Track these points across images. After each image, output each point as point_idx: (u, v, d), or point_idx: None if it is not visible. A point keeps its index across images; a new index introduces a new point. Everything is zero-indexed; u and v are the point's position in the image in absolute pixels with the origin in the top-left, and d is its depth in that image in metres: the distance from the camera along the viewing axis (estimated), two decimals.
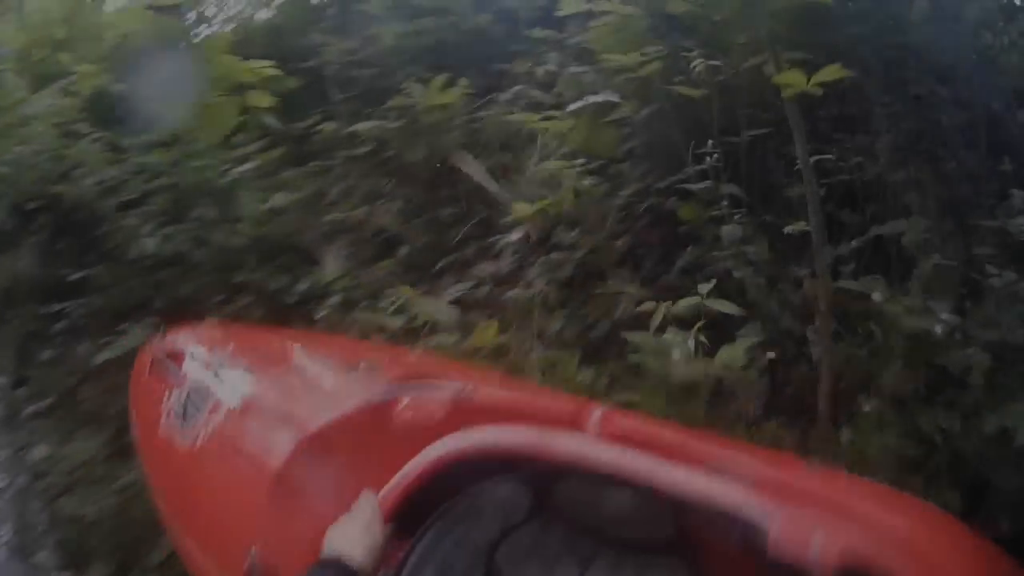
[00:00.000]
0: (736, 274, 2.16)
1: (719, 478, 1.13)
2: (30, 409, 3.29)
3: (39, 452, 2.99)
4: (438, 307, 2.46)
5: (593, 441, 1.35)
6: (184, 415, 1.54)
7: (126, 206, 3.32)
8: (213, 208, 3.15)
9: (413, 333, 2.54)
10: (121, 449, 2.89)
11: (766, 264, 2.26)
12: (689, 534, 1.48)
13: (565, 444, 1.34)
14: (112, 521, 2.55)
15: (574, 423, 1.40)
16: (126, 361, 2.96)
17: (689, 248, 2.36)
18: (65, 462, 2.80)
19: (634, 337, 1.98)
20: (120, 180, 3.32)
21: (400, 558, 1.38)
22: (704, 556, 1.47)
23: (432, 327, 2.38)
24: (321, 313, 2.78)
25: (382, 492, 1.32)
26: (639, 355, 1.99)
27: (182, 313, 2.85)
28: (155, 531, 2.45)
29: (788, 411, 2.12)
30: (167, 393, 1.63)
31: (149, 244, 3.07)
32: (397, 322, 2.52)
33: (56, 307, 3.24)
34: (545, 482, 1.49)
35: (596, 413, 1.42)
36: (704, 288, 1.94)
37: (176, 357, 1.72)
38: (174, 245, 3.10)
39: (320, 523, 1.26)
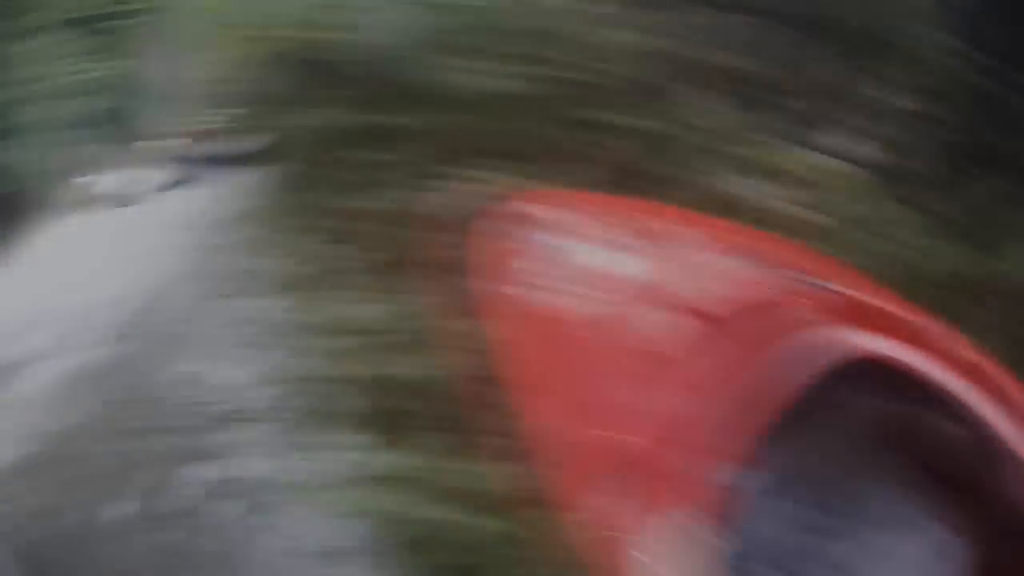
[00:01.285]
0: None
1: None
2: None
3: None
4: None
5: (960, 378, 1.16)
6: (551, 282, 1.45)
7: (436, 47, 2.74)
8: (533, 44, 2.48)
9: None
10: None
11: None
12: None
13: (941, 377, 1.15)
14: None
15: (929, 346, 1.19)
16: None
17: None
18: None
19: None
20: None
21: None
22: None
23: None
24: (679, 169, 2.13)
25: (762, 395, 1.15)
26: None
27: (515, 157, 2.39)
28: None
29: None
30: (525, 257, 1.55)
31: (471, 81, 2.52)
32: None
33: (369, 156, 2.68)
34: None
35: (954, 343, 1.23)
36: None
37: (529, 220, 1.62)
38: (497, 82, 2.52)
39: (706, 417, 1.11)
